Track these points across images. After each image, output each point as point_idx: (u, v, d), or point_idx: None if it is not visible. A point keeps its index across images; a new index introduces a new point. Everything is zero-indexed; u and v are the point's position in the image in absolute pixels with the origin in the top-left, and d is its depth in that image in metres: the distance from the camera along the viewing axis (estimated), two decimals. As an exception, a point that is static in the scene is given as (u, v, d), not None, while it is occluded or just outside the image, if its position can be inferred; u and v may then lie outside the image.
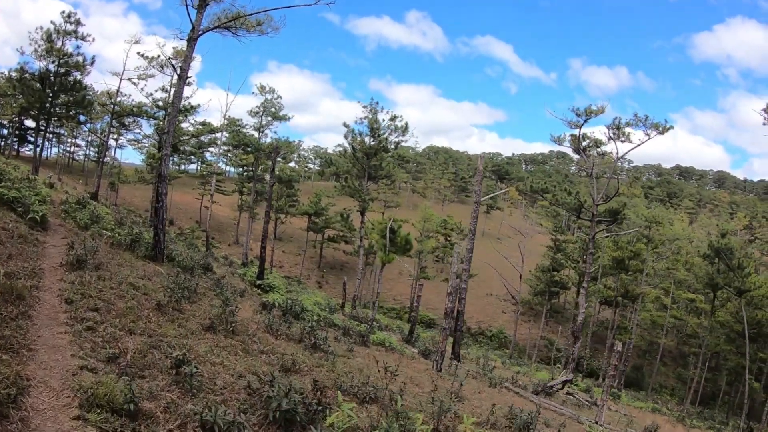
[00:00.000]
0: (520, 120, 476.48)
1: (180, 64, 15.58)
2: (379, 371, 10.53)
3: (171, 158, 16.97)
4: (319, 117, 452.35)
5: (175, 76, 37.51)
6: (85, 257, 11.33)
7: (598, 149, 42.13)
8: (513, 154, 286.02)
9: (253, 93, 51.56)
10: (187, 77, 15.43)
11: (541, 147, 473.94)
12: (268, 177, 70.23)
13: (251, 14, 16.18)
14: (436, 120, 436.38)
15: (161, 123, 38.52)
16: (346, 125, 49.32)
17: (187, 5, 15.27)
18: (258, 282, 20.96)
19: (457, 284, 19.09)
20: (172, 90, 37.41)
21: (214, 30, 16.22)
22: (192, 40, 15.39)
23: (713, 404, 58.55)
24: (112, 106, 39.61)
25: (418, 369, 17.55)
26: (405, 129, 50.27)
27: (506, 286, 76.04)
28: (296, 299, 19.61)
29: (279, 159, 67.78)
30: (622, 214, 43.30)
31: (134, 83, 37.18)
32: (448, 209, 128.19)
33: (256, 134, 54.19)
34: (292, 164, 76.35)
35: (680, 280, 70.15)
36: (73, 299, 8.72)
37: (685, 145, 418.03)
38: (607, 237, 51.41)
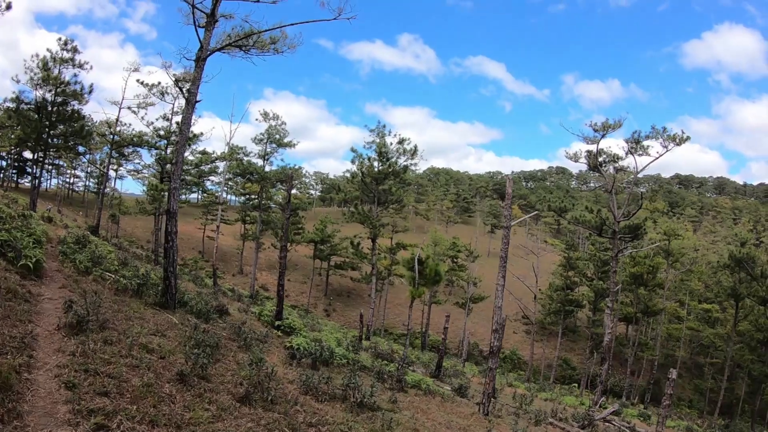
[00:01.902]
0: (515, 138, 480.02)
1: (187, 87, 13.82)
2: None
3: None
4: (316, 142, 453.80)
5: (178, 103, 36.17)
6: (87, 315, 9.41)
7: (615, 164, 40.45)
8: (512, 171, 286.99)
9: (256, 120, 50.13)
10: (196, 101, 13.64)
11: (538, 163, 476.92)
12: (273, 206, 69.12)
13: (265, 31, 14.53)
14: (432, 141, 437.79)
15: (163, 153, 36.76)
16: (354, 150, 47.97)
17: (195, 22, 13.58)
18: (277, 323, 19.03)
19: (503, 320, 17.28)
20: (174, 118, 35.82)
21: (224, 50, 14.55)
22: (200, 60, 13.70)
23: (733, 414, 57.87)
24: (111, 136, 37.93)
25: (464, 414, 15.76)
26: (414, 152, 48.75)
27: (521, 308, 74.10)
28: (322, 342, 17.76)
29: (282, 186, 66.20)
30: (642, 229, 41.49)
31: (134, 112, 35.53)
32: (453, 230, 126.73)
33: (260, 162, 52.55)
34: (294, 191, 74.55)
35: (693, 290, 69.11)
36: (76, 382, 6.77)
37: (682, 153, 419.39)
38: (626, 254, 49.87)
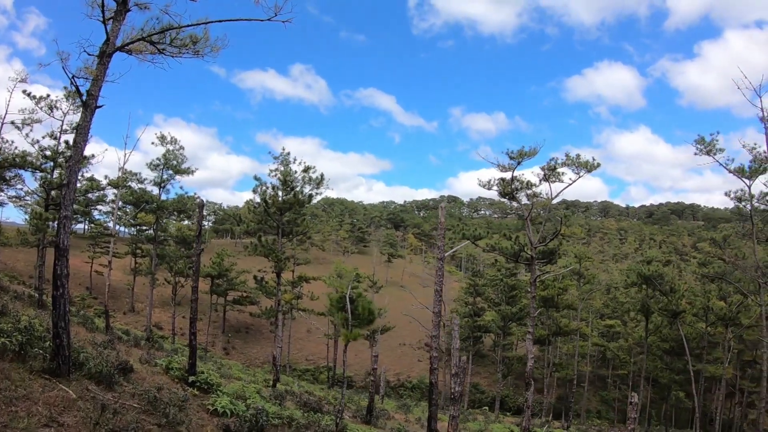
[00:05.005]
0: (405, 168, 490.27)
1: (87, 88, 10.98)
2: None
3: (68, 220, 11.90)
4: (207, 172, 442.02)
5: (68, 119, 31.97)
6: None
7: (529, 191, 40.06)
8: (405, 201, 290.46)
9: (152, 143, 46.00)
10: (97, 105, 10.82)
11: (428, 193, 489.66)
12: (168, 238, 64.56)
13: (187, 26, 11.92)
14: (323, 171, 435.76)
15: (48, 176, 32.26)
16: (257, 178, 45.05)
17: (103, 11, 10.84)
18: (191, 378, 16.05)
19: (463, 362, 15.24)
20: (63, 137, 31.49)
21: (133, 48, 11.74)
22: (105, 56, 10.90)
23: (642, 420, 60.64)
24: None
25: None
26: (320, 181, 46.44)
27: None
28: (248, 399, 15.05)
29: (174, 219, 62.06)
30: (557, 253, 41.45)
31: (18, 128, 30.84)
32: (350, 261, 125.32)
33: (155, 190, 48.43)
34: (186, 222, 70.61)
35: (594, 308, 72.13)
36: None
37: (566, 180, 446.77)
38: (543, 278, 50.41)
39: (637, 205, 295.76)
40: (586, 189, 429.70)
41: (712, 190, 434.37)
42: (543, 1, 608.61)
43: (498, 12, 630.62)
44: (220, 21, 12.02)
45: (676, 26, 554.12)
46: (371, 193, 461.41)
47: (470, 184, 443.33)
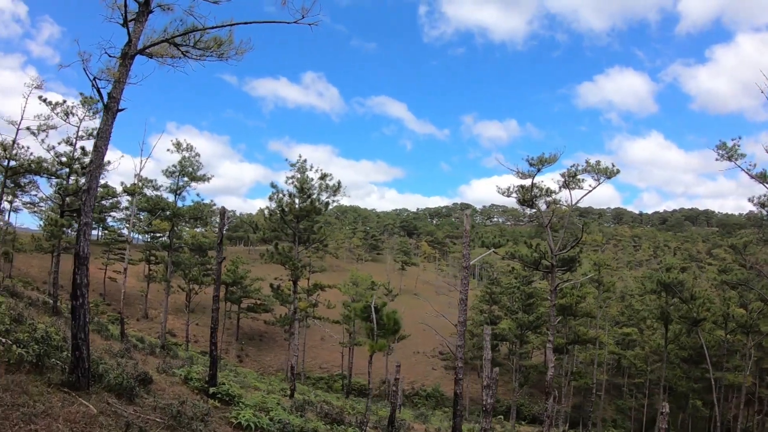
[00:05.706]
0: (417, 175, 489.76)
1: (108, 91, 10.58)
2: None
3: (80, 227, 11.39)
4: (219, 180, 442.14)
5: (84, 125, 31.78)
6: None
7: (548, 198, 39.55)
8: (418, 209, 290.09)
9: (168, 150, 45.62)
10: (119, 109, 10.42)
11: (440, 200, 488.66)
12: (183, 245, 64.36)
13: (212, 28, 11.54)
14: (339, 179, 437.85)
15: (64, 182, 32.00)
16: (273, 185, 44.67)
17: (125, 10, 10.48)
18: (211, 389, 15.57)
19: (496, 374, 14.68)
20: (78, 143, 31.26)
21: (155, 50, 11.36)
22: (127, 58, 10.53)
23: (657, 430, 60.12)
24: (6, 161, 32.57)
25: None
26: (337, 188, 45.99)
27: (446, 344, 72.87)
28: (271, 412, 14.55)
29: (187, 225, 61.75)
30: (577, 261, 40.83)
31: (34, 133, 30.58)
32: (363, 268, 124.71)
33: (171, 197, 48.10)
34: (200, 230, 70.44)
35: (611, 316, 71.55)
36: None
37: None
38: (562, 286, 49.92)
39: (650, 212, 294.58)
40: (600, 196, 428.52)
41: (725, 196, 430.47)
42: (553, 8, 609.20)
43: (508, 19, 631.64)
44: (246, 23, 11.63)
45: (687, 31, 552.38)
46: (383, 200, 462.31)
47: (482, 192, 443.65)
